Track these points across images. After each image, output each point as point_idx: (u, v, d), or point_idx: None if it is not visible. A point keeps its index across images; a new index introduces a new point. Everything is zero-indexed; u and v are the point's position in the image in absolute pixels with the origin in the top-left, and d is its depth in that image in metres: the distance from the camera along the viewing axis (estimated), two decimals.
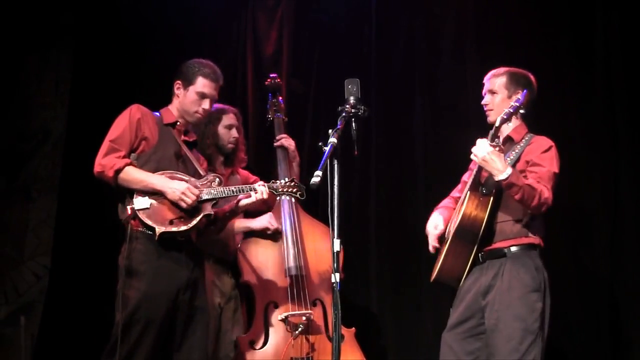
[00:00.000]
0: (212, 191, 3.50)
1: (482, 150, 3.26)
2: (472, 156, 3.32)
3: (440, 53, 4.88)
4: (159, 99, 5.26)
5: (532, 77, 3.59)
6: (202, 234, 3.63)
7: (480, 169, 3.38)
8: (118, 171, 3.42)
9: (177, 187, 3.42)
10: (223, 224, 3.76)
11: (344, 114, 3.08)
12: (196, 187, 3.47)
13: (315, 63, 5.13)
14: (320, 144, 3.25)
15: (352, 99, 3.09)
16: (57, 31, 5.66)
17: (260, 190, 3.56)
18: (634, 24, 4.39)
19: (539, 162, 3.39)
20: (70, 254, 5.18)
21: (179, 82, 3.67)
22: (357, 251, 4.64)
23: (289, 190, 3.63)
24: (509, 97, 3.50)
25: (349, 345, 3.91)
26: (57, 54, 5.73)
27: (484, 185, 3.40)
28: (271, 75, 4.44)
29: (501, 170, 3.24)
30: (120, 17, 5.35)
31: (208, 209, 3.49)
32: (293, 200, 4.11)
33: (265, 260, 4.04)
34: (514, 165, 3.37)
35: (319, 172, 2.96)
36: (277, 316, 3.91)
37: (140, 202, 3.42)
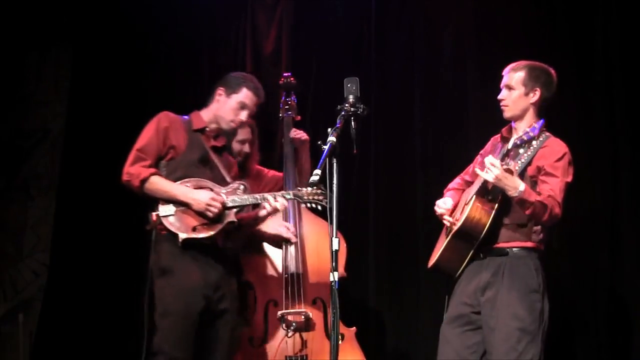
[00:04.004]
0: (237, 199, 3.55)
1: (494, 170, 3.18)
2: (483, 174, 3.23)
3: (440, 52, 4.87)
4: (159, 97, 5.31)
5: (552, 72, 3.51)
6: (228, 240, 3.67)
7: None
8: (143, 181, 3.50)
9: (201, 198, 3.48)
10: (248, 231, 3.80)
11: (343, 113, 3.08)
12: (219, 194, 3.53)
13: (314, 62, 5.13)
14: (319, 142, 3.25)
15: (351, 98, 3.09)
16: (56, 29, 5.65)
17: (281, 202, 3.59)
18: (633, 30, 4.38)
19: (552, 172, 3.32)
20: (69, 252, 5.19)
21: (222, 88, 3.73)
22: (356, 250, 4.63)
23: (315, 198, 3.62)
24: (526, 94, 3.44)
25: (349, 345, 3.91)
26: (56, 52, 5.73)
27: (491, 192, 3.36)
28: (284, 74, 4.44)
29: (514, 187, 3.18)
30: (120, 16, 5.35)
31: (232, 217, 3.54)
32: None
33: (266, 259, 4.05)
34: (525, 168, 3.32)
35: (318, 171, 2.96)
36: (276, 314, 3.92)
37: (165, 209, 3.50)
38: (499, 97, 3.53)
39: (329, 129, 3.04)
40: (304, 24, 5.18)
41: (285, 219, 4.06)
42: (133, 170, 3.52)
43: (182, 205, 3.50)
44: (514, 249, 3.36)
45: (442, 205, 3.60)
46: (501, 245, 3.38)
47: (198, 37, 5.36)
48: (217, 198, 3.50)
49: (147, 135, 3.60)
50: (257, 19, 5.28)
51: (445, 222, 3.57)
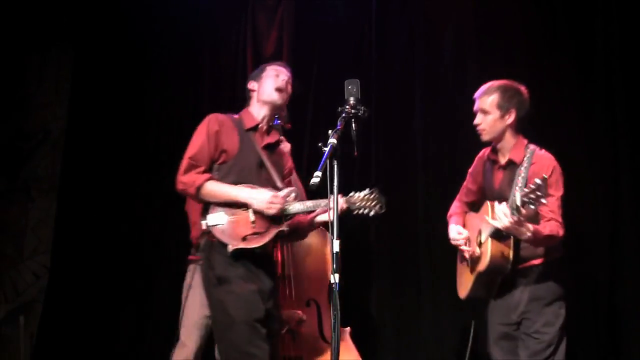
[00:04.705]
0: (289, 207, 3.47)
1: (504, 221, 3.25)
2: (494, 222, 3.30)
3: (440, 52, 4.87)
4: (159, 98, 5.31)
5: (524, 91, 3.55)
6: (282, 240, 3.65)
7: None
8: (199, 188, 3.45)
9: (263, 196, 3.43)
10: (303, 235, 3.75)
11: (343, 115, 3.09)
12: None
13: (315, 63, 5.12)
14: (320, 144, 3.25)
15: (352, 100, 3.10)
16: (57, 31, 5.66)
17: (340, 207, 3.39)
18: (634, 35, 4.38)
19: (548, 192, 3.31)
20: (70, 254, 5.19)
21: (251, 82, 3.72)
22: (356, 252, 4.63)
23: (367, 204, 3.49)
24: (502, 116, 3.50)
25: (343, 345, 3.90)
26: (57, 54, 5.74)
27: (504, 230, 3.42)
28: None
29: (524, 232, 3.28)
30: (120, 18, 5.35)
31: (283, 226, 3.48)
32: None
33: None
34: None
35: (318, 173, 2.96)
36: None
37: (214, 219, 3.44)
38: (475, 122, 3.57)
39: (330, 131, 3.04)
40: (305, 25, 5.18)
41: None
42: (186, 179, 3.47)
43: (232, 209, 3.43)
44: (536, 267, 3.48)
45: (458, 236, 3.65)
46: (524, 265, 3.49)
47: (199, 38, 5.36)
48: (278, 195, 3.44)
49: (198, 142, 3.53)
50: (257, 20, 5.28)
51: (465, 253, 3.63)
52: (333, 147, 2.99)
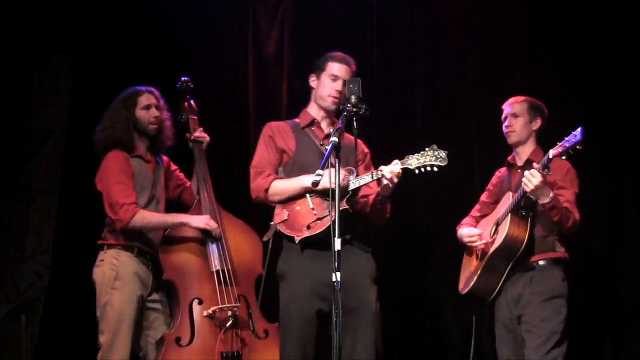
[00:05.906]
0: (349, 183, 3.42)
1: (536, 180, 3.39)
2: (523, 185, 3.45)
3: (441, 51, 4.88)
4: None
5: (545, 108, 3.85)
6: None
7: (523, 194, 3.53)
8: (267, 190, 3.54)
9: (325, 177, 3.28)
10: (383, 212, 3.69)
11: (345, 113, 3.10)
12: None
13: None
14: (321, 143, 3.25)
15: (353, 98, 3.11)
16: (58, 32, 5.66)
17: (394, 171, 3.38)
18: (634, 34, 4.39)
19: (564, 185, 3.64)
20: (71, 253, 5.19)
21: (313, 75, 3.75)
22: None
23: (429, 159, 3.39)
24: (530, 121, 3.80)
25: (273, 340, 3.84)
26: (58, 54, 5.74)
27: (524, 208, 3.59)
28: (182, 78, 4.40)
29: (547, 195, 3.44)
30: (120, 19, 5.35)
31: (342, 205, 3.36)
32: (213, 196, 4.06)
33: (187, 257, 3.97)
34: None
35: (320, 171, 2.98)
36: (202, 312, 3.85)
37: (278, 216, 3.52)
38: (506, 124, 3.82)
39: (331, 129, 3.05)
40: (305, 24, 5.18)
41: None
42: (255, 185, 3.60)
43: (293, 202, 3.49)
44: (540, 262, 3.61)
45: (473, 232, 3.82)
46: (529, 261, 3.62)
47: (199, 39, 5.36)
48: (345, 176, 3.37)
49: (258, 151, 3.69)
50: (258, 20, 5.29)
51: (479, 245, 3.76)
52: (335, 146, 3.00)
